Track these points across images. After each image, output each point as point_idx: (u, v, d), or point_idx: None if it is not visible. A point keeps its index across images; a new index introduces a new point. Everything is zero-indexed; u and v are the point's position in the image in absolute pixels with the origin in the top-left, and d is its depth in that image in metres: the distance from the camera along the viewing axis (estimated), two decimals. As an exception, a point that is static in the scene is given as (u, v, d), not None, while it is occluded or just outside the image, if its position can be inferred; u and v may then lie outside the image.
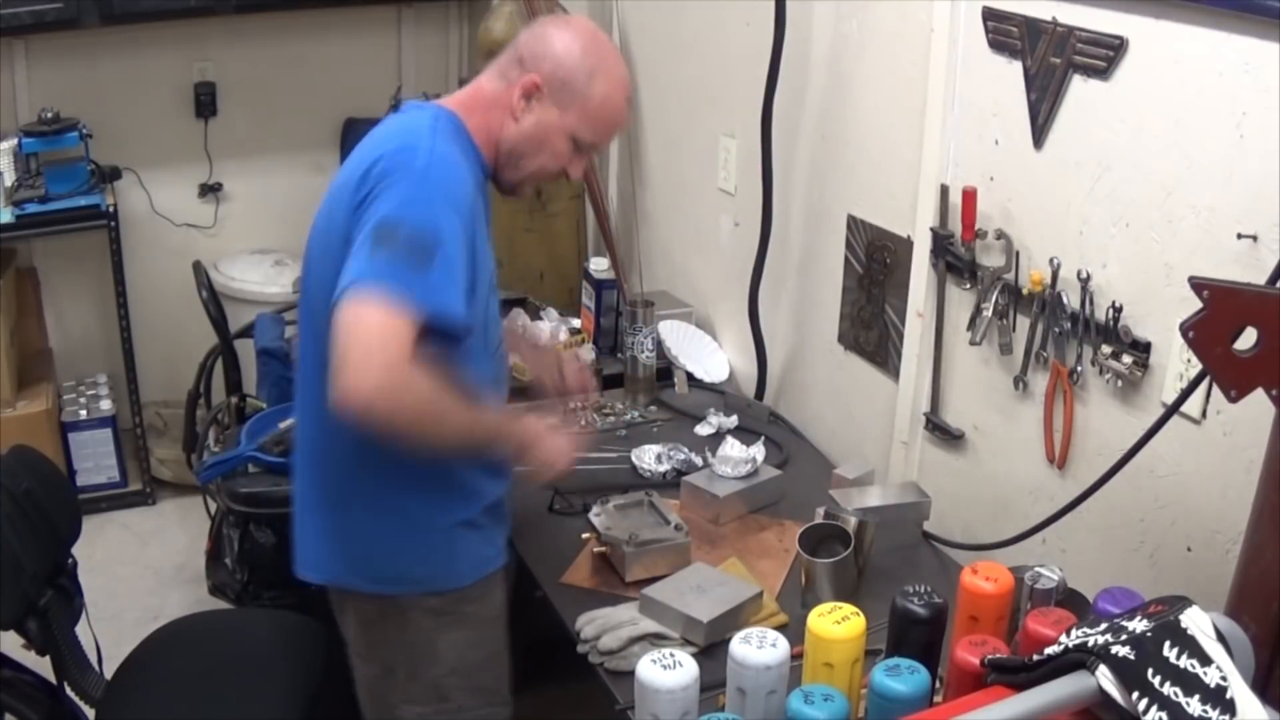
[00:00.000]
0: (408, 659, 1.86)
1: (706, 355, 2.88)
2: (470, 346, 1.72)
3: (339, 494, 1.81)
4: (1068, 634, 1.22)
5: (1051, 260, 1.88)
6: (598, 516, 2.08)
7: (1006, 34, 1.92)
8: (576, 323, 2.99)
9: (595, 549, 2.03)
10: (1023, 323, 1.97)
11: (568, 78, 1.75)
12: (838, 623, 1.47)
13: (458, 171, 1.68)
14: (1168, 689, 1.11)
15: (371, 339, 1.52)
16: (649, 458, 2.39)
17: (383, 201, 1.60)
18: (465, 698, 1.88)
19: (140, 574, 3.50)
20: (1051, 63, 1.84)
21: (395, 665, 1.89)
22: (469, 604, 1.86)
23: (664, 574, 1.94)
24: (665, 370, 2.79)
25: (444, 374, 1.61)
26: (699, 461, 2.37)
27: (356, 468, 1.77)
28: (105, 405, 3.78)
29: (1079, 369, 1.88)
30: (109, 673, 2.21)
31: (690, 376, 2.80)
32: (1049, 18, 1.82)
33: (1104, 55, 1.74)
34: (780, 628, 1.77)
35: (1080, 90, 1.81)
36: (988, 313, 2.00)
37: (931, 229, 2.12)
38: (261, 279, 3.84)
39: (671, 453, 2.40)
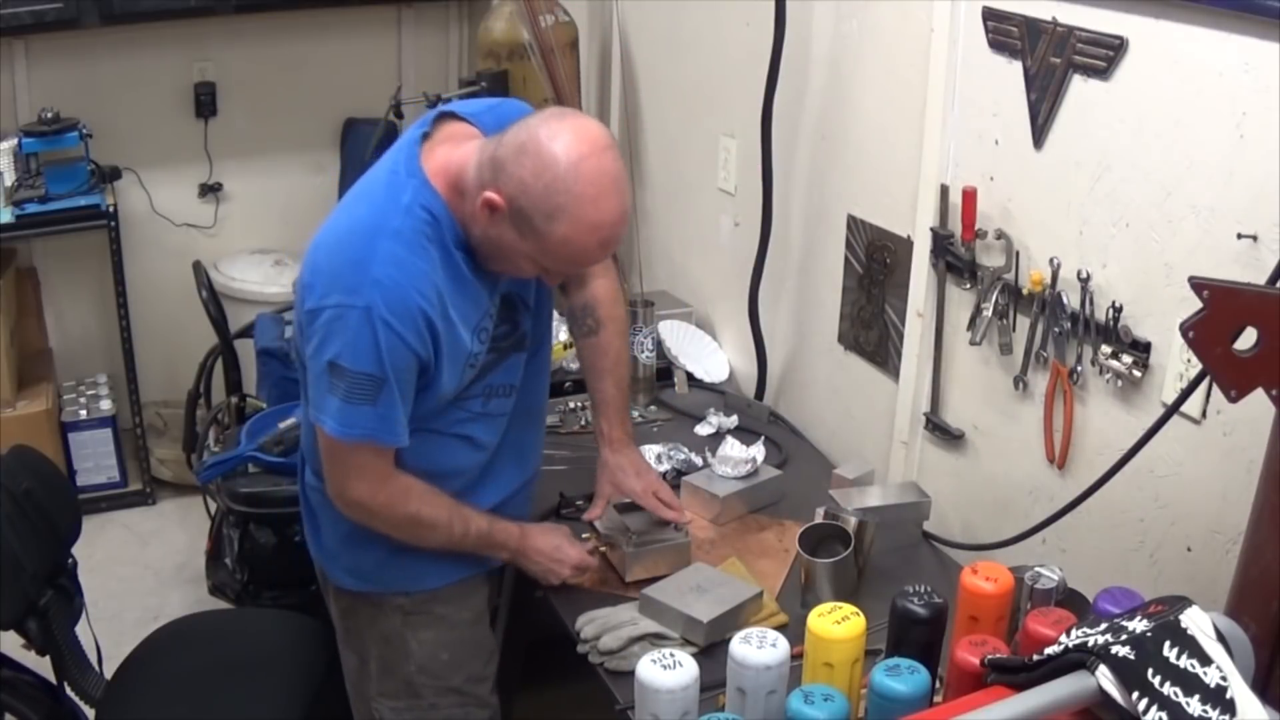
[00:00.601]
0: (380, 652, 1.89)
1: (706, 355, 2.88)
2: (438, 420, 1.78)
3: (315, 491, 1.87)
4: (1068, 634, 1.22)
5: (1051, 260, 1.88)
6: (598, 518, 2.08)
7: (1006, 34, 1.92)
8: (576, 323, 2.99)
9: (599, 548, 2.03)
10: (1023, 323, 1.97)
11: (527, 210, 1.56)
12: (838, 623, 1.47)
13: (403, 292, 1.60)
14: (1168, 689, 1.11)
15: (341, 467, 1.73)
16: (649, 458, 2.39)
17: (332, 341, 1.61)
18: (435, 696, 1.90)
19: (140, 574, 3.50)
20: (1051, 63, 1.84)
21: (369, 657, 1.92)
22: (440, 605, 1.88)
23: (664, 574, 1.94)
24: (665, 370, 2.79)
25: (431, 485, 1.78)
26: (699, 461, 2.37)
27: (321, 480, 1.82)
28: (105, 405, 3.77)
29: (1079, 369, 1.88)
30: (109, 673, 2.21)
31: (690, 376, 2.80)
32: (1049, 18, 1.82)
33: (1104, 55, 1.74)
34: (780, 628, 1.77)
35: (1080, 90, 1.81)
36: (988, 313, 2.00)
37: (931, 229, 2.12)
38: (261, 279, 3.84)
39: (671, 453, 2.40)
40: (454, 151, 1.68)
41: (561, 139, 1.55)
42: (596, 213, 1.57)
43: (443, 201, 1.65)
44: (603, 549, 2.04)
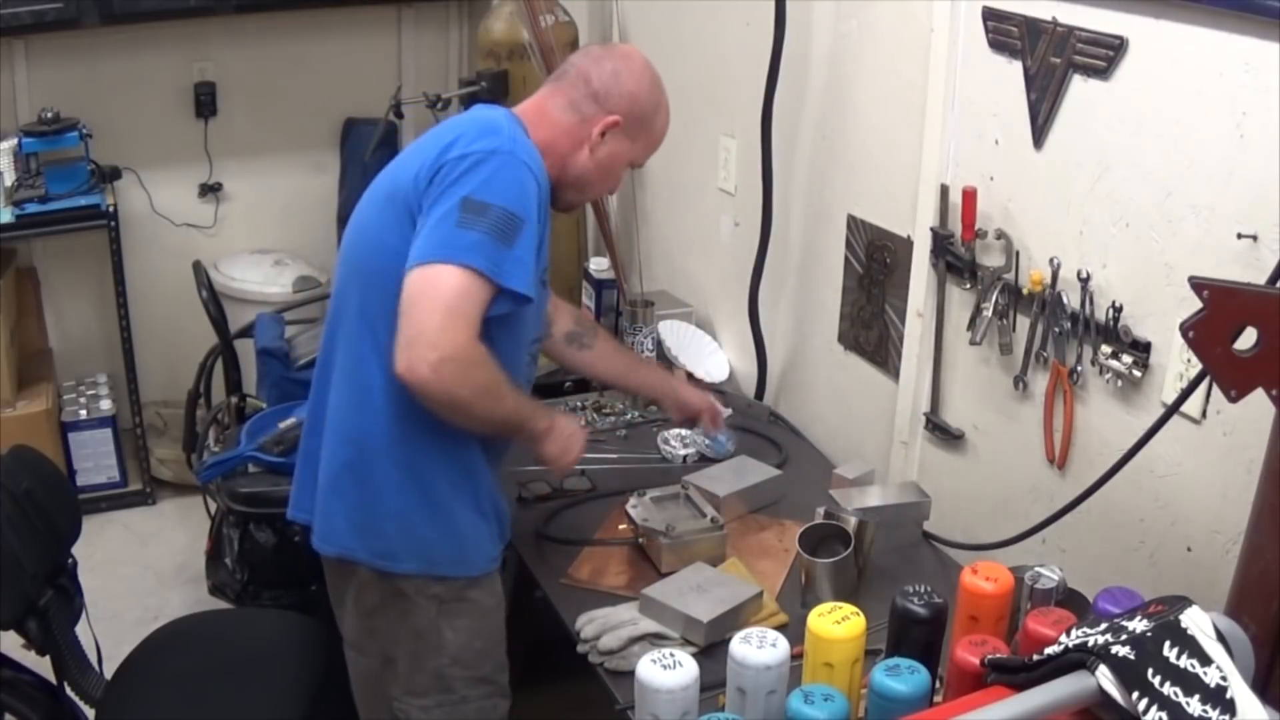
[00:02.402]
0: (411, 648, 1.87)
1: (706, 355, 2.88)
2: (514, 332, 1.80)
3: (367, 471, 1.81)
4: (1068, 634, 1.22)
5: (1051, 260, 1.88)
6: (635, 508, 2.10)
7: (1006, 34, 1.92)
8: (576, 323, 2.99)
9: (632, 536, 2.07)
10: (1023, 323, 1.97)
11: (642, 115, 1.91)
12: (838, 623, 1.47)
13: (536, 158, 1.77)
14: (1168, 689, 1.11)
15: (447, 308, 1.63)
16: (674, 441, 2.47)
17: (468, 180, 1.68)
18: (467, 688, 1.89)
19: (140, 574, 3.50)
20: (1051, 63, 1.84)
21: (396, 655, 1.89)
22: (474, 591, 1.87)
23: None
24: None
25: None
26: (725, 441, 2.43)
27: (388, 444, 1.79)
28: (105, 405, 3.77)
29: (1079, 369, 1.88)
30: (109, 673, 2.21)
31: (690, 376, 2.80)
32: (1049, 18, 1.82)
33: (1104, 55, 1.74)
34: (780, 628, 1.77)
35: (1080, 90, 1.81)
36: (988, 313, 2.00)
37: (931, 229, 2.12)
38: (261, 279, 3.84)
39: (696, 436, 2.46)
40: (519, 106, 1.90)
41: (630, 55, 1.95)
42: (665, 95, 1.99)
43: (525, 127, 1.83)
44: (640, 539, 2.06)
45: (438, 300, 1.63)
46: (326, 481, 1.86)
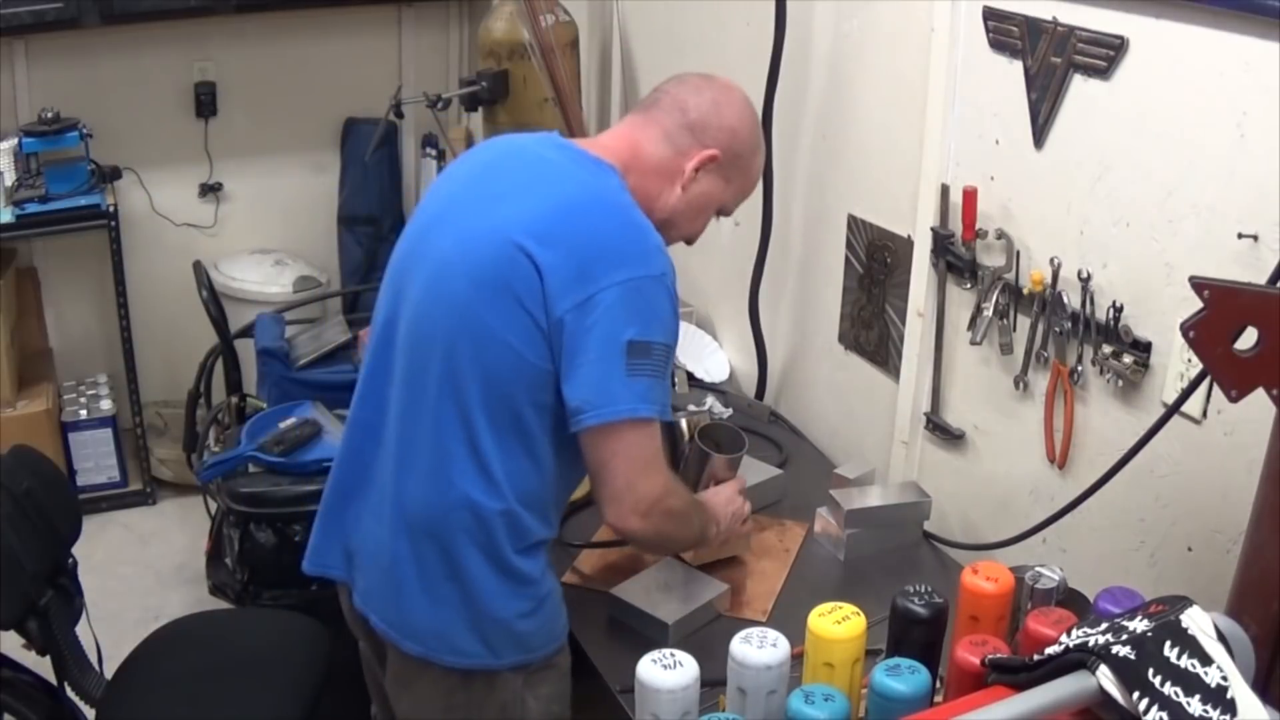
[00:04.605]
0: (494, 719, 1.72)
1: (707, 355, 2.88)
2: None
3: (459, 568, 1.65)
4: (1068, 634, 1.22)
5: (1052, 260, 1.88)
6: None
7: (1007, 34, 1.92)
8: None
9: None
10: (1023, 322, 1.97)
11: (740, 153, 1.75)
12: (838, 623, 1.47)
13: (672, 265, 1.63)
14: (1168, 689, 1.11)
15: (642, 463, 1.62)
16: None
17: (630, 318, 1.57)
18: None
19: (140, 574, 3.50)
20: (1052, 62, 1.84)
21: None
22: (557, 654, 1.75)
23: (731, 555, 2.01)
24: (665, 370, 2.79)
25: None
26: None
27: (481, 540, 1.64)
28: (105, 405, 3.77)
29: (1079, 369, 1.88)
30: (109, 673, 2.21)
31: (690, 376, 2.80)
32: (1049, 17, 1.82)
33: (1104, 55, 1.74)
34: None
35: (1080, 90, 1.81)
36: (988, 312, 2.00)
37: (932, 229, 2.12)
38: (261, 279, 3.84)
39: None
40: (610, 142, 1.73)
41: (731, 89, 1.77)
42: (763, 139, 1.86)
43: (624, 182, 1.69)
44: None
45: (632, 459, 1.61)
46: (411, 575, 1.67)
